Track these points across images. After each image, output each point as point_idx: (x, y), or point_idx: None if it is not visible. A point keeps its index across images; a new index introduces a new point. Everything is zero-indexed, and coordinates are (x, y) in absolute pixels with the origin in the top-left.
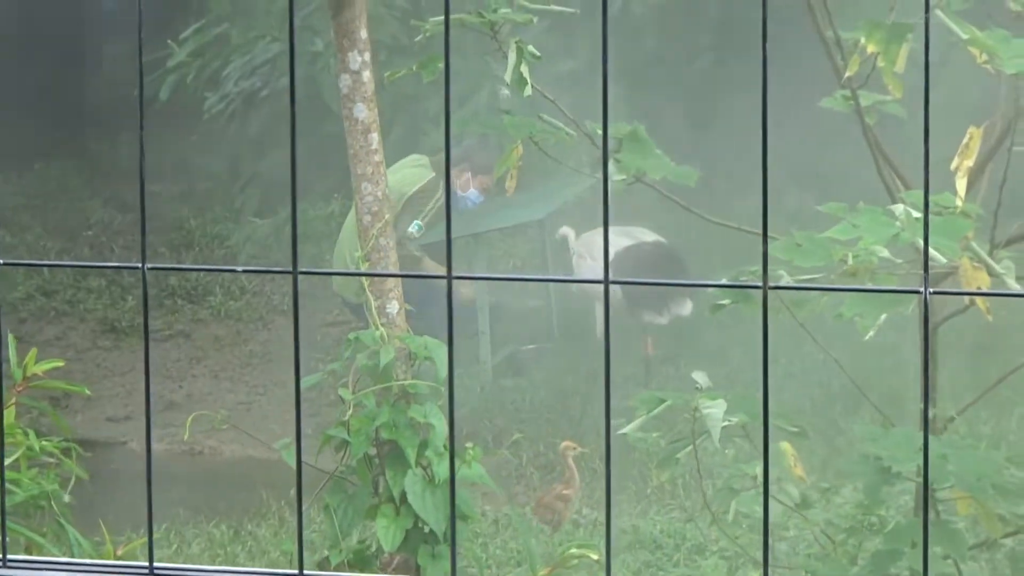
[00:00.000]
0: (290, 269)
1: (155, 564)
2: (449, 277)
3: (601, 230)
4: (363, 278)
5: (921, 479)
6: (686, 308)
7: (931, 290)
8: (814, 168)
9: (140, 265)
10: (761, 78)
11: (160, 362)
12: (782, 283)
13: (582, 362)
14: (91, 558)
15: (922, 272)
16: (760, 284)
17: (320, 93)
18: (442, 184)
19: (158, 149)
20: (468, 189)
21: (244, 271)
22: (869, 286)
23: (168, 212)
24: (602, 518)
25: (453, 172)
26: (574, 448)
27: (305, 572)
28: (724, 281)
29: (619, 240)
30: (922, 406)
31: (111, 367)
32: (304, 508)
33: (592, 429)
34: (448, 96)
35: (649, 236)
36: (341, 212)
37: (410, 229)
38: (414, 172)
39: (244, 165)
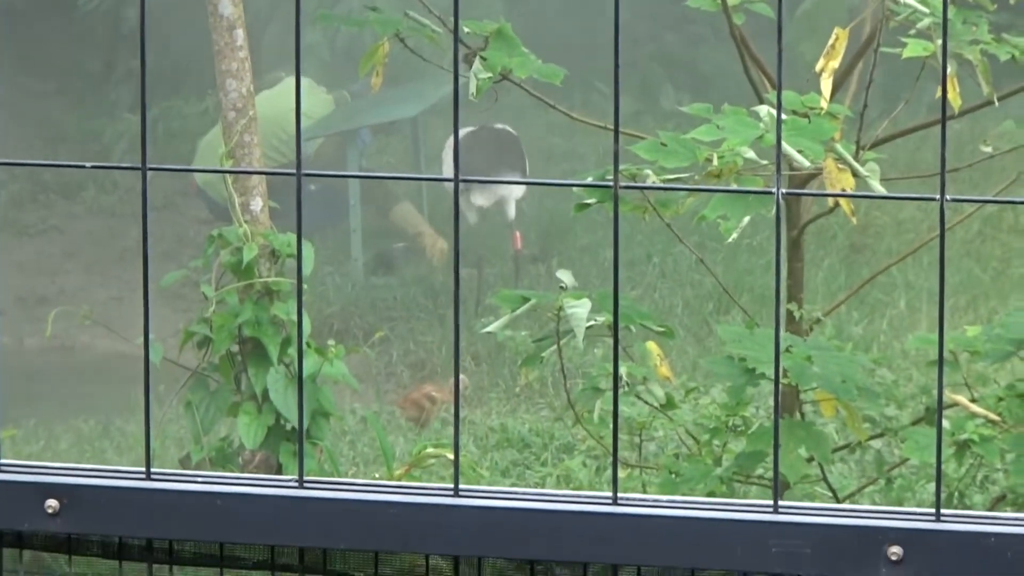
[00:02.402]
0: (139, 165)
1: (1, 461)
2: (299, 174)
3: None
4: (227, 175)
5: (785, 381)
6: (514, 194)
7: (784, 191)
8: (693, 68)
9: None
10: None
11: (33, 257)
12: (648, 183)
13: (449, 262)
14: None
15: (780, 173)
16: (611, 184)
17: None
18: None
19: (32, 44)
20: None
21: (92, 167)
22: (722, 187)
23: (43, 108)
24: (472, 417)
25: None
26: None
27: (152, 471)
28: (589, 180)
29: (463, 129)
30: (786, 307)
31: None
32: (167, 405)
33: (463, 327)
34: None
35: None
36: (216, 108)
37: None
38: (317, 104)
39: (118, 61)
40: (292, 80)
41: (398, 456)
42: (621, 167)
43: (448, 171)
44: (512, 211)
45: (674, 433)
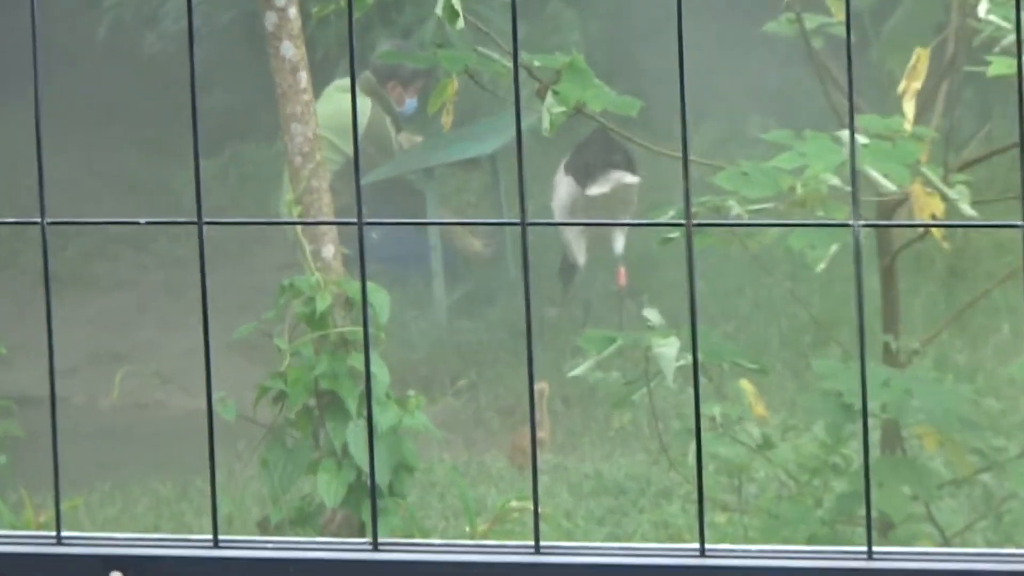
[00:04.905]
0: (195, 220)
1: (62, 533)
2: (360, 223)
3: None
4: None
5: (885, 416)
6: (628, 178)
7: (861, 223)
8: (779, 93)
9: (39, 220)
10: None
11: (105, 313)
12: (732, 214)
13: (540, 301)
14: (10, 525)
15: (859, 203)
16: (683, 222)
17: (262, 29)
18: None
19: (97, 90)
20: (404, 102)
21: (147, 223)
22: (798, 220)
23: (112, 156)
24: (565, 463)
25: (386, 88)
26: (545, 390)
27: (220, 538)
28: (670, 214)
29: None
30: (883, 339)
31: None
32: (245, 463)
33: (553, 369)
34: (352, 38)
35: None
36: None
37: None
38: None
39: (187, 106)
40: (335, 85)
41: (490, 507)
42: (705, 198)
43: (559, 196)
44: (620, 245)
45: (775, 474)
